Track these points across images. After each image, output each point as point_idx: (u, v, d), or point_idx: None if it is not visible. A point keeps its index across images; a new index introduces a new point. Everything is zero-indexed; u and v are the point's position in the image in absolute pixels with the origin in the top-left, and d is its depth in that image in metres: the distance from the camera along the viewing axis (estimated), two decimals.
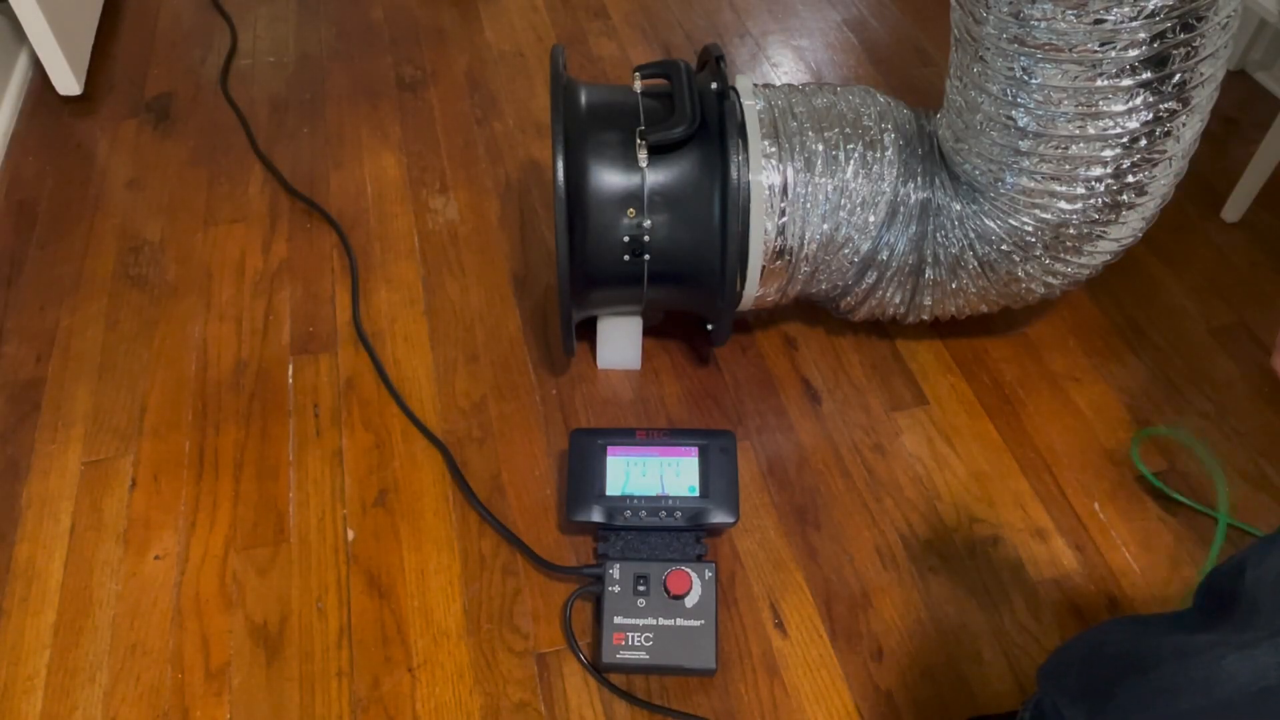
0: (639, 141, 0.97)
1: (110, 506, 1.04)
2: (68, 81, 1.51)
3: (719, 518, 0.94)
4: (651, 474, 0.97)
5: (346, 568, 0.98)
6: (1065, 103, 0.88)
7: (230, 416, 1.12)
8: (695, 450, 0.98)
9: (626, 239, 0.99)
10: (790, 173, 1.00)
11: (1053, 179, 0.93)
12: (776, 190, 1.00)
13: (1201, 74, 0.87)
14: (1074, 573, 0.99)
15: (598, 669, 0.90)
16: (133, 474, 1.07)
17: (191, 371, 1.17)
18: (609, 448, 0.98)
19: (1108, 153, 0.90)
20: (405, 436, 1.09)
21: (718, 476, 0.96)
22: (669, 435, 0.99)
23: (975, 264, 1.03)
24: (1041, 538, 1.01)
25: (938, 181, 1.03)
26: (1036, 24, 0.86)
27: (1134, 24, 0.82)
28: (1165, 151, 0.91)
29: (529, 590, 0.97)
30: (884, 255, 1.04)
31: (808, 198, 1.00)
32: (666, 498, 0.95)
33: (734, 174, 0.96)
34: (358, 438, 1.09)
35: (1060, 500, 1.04)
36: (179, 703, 0.89)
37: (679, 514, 0.94)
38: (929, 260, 1.04)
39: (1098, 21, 0.82)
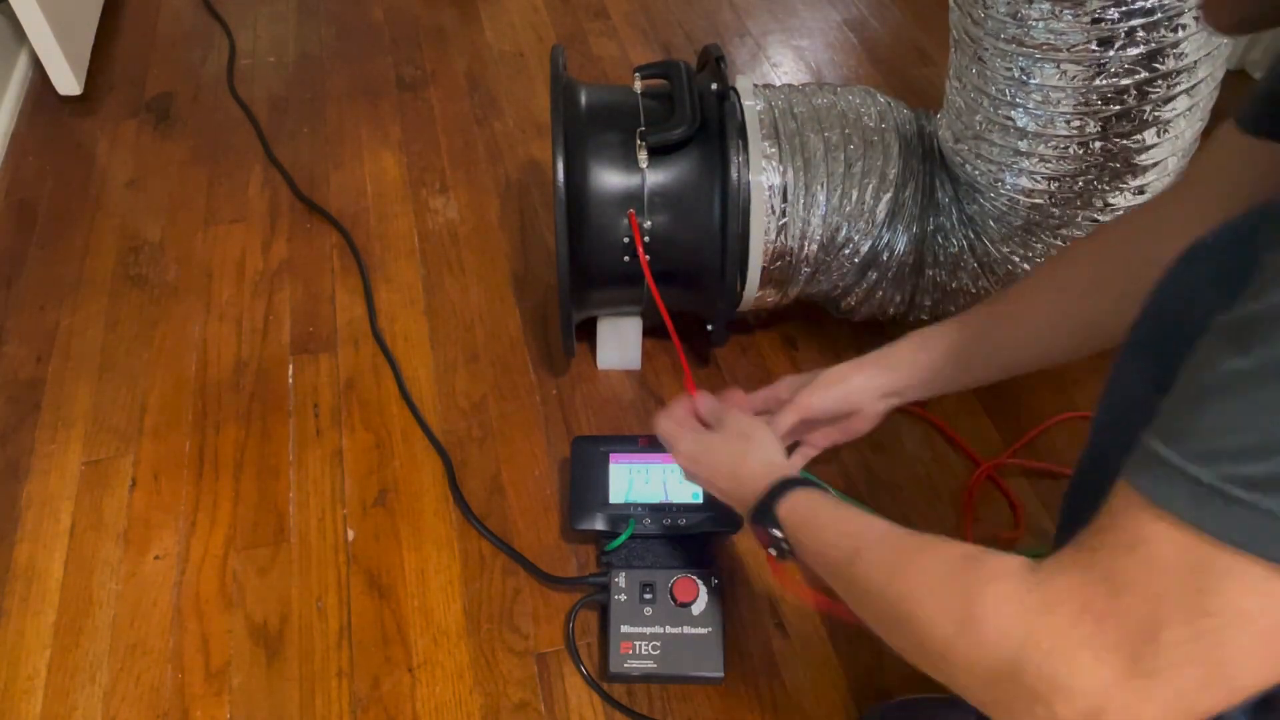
0: (639, 142, 0.97)
1: (110, 506, 1.04)
2: (68, 81, 1.51)
3: (723, 524, 0.94)
4: (655, 481, 0.96)
5: (346, 568, 0.98)
6: (1064, 103, 0.88)
7: (230, 416, 1.12)
8: None
9: (626, 239, 0.99)
10: (790, 173, 1.00)
11: (1052, 179, 0.94)
12: (776, 191, 1.00)
13: (1200, 74, 0.87)
14: None
15: (604, 678, 0.90)
16: (133, 474, 1.07)
17: (191, 371, 1.17)
18: (611, 455, 0.97)
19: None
20: (405, 436, 1.09)
21: None
22: None
23: (975, 264, 1.03)
24: (1043, 538, 1.01)
25: (938, 182, 1.03)
26: (1034, 24, 0.86)
27: (1132, 23, 0.82)
28: (1165, 152, 0.91)
29: (529, 590, 0.97)
30: (884, 255, 1.04)
31: (808, 198, 1.00)
32: (670, 505, 0.94)
33: (734, 175, 0.96)
34: (358, 438, 1.09)
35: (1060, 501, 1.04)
36: (179, 703, 0.89)
37: (683, 521, 0.94)
38: (929, 260, 1.04)
39: (1095, 21, 0.82)
